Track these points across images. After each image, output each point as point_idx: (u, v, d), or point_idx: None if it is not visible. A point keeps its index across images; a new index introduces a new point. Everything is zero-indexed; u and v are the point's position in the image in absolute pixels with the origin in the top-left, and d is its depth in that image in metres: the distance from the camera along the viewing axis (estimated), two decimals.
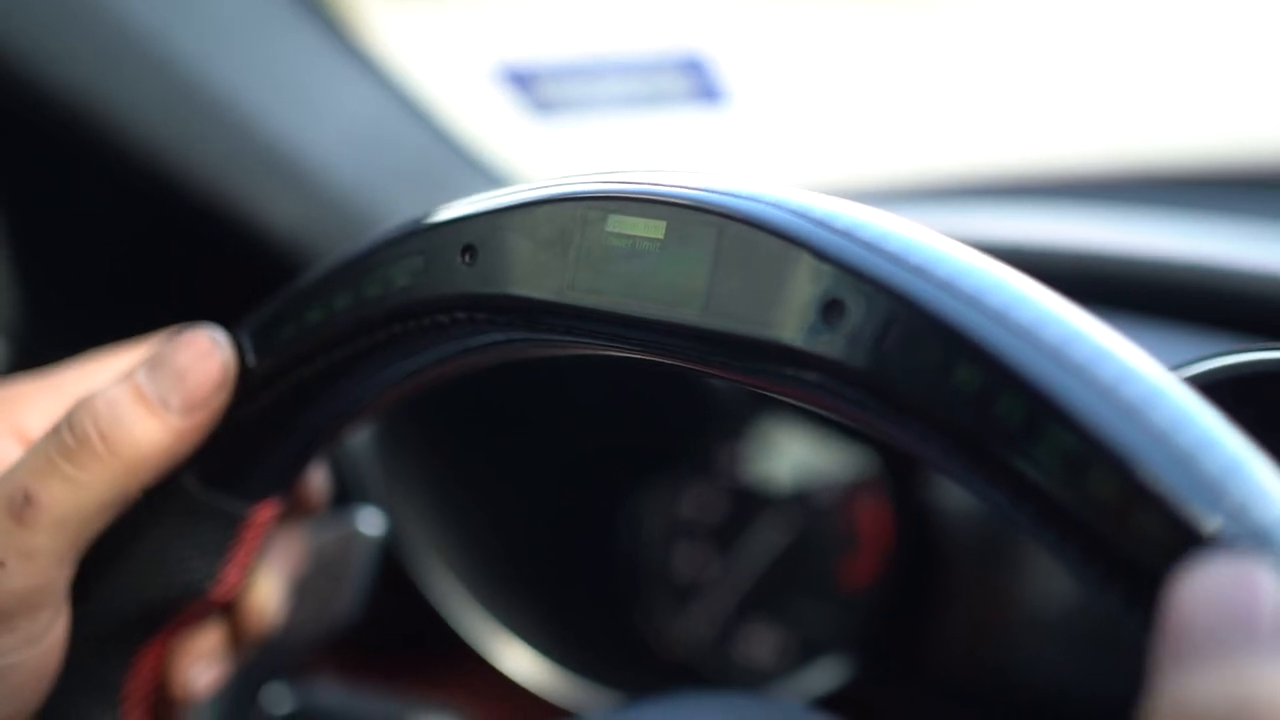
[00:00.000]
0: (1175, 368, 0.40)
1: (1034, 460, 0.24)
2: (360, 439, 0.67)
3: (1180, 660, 0.20)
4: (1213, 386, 0.39)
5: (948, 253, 0.26)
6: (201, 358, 0.35)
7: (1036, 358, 0.24)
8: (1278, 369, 0.39)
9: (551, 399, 0.75)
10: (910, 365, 0.25)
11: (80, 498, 0.33)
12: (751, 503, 0.71)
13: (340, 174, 0.66)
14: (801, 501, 0.70)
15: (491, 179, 0.73)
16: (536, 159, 0.78)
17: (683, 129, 0.86)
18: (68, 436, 0.33)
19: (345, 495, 0.66)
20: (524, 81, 0.82)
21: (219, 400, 0.35)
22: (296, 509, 0.42)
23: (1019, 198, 0.78)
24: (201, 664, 0.41)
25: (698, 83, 0.82)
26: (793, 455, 0.70)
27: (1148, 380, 0.24)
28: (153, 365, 0.35)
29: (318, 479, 0.42)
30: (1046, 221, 0.63)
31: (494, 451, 0.75)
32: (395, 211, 0.66)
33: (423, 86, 0.72)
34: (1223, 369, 0.40)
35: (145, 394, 0.34)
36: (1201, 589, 0.21)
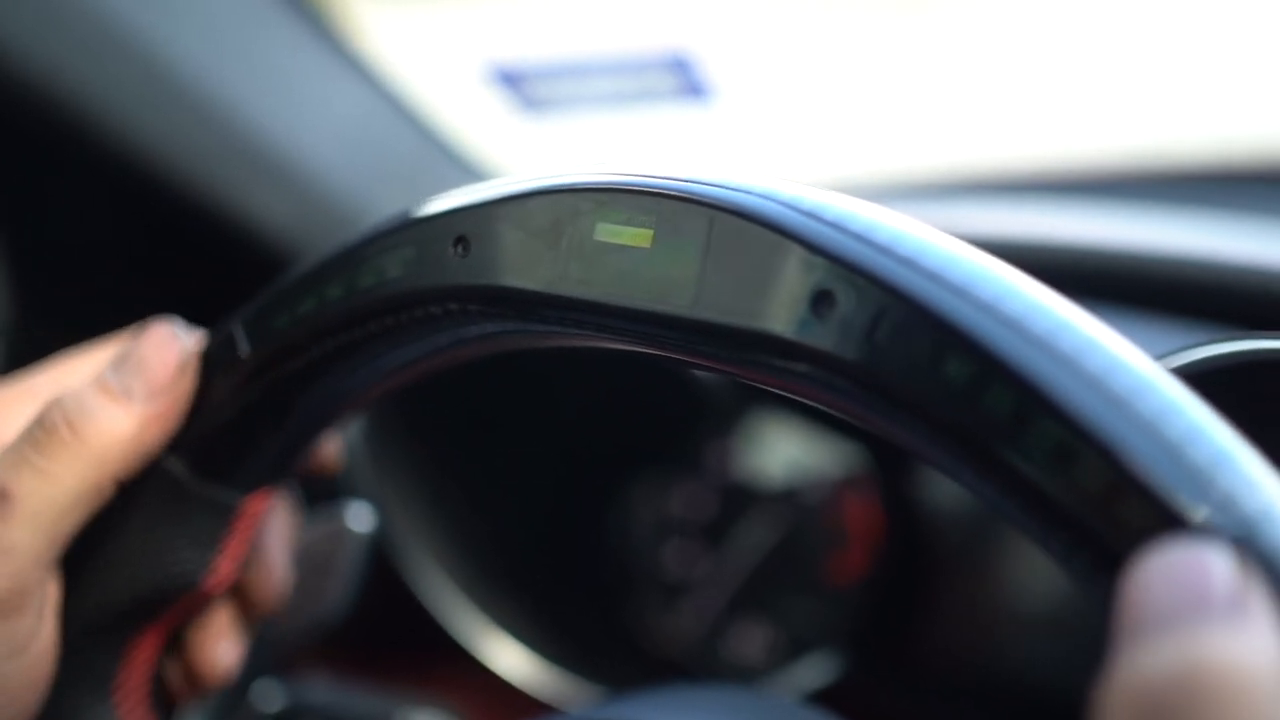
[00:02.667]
0: (1160, 357, 0.40)
1: (1022, 451, 0.24)
2: (349, 434, 0.67)
3: (1134, 635, 0.20)
4: (1197, 376, 0.40)
5: (937, 244, 0.26)
6: (160, 346, 0.36)
7: (1026, 349, 0.24)
8: (1261, 358, 0.40)
9: (542, 396, 0.75)
10: (900, 356, 0.25)
11: (53, 489, 0.34)
12: (741, 500, 0.72)
13: (329, 172, 0.66)
14: (791, 498, 0.70)
15: (480, 177, 0.73)
16: (525, 157, 0.78)
17: (670, 126, 0.86)
18: (38, 431, 0.35)
19: (334, 491, 0.66)
20: (512, 80, 0.82)
21: (181, 386, 0.36)
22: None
23: (1006, 194, 0.78)
24: (225, 643, 0.41)
25: (684, 80, 0.82)
26: (782, 452, 0.71)
27: (1136, 371, 0.24)
28: (116, 361, 0.36)
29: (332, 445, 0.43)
30: (1032, 216, 0.64)
31: (485, 448, 0.76)
32: (383, 210, 0.66)
33: (411, 85, 0.72)
34: (1207, 359, 0.40)
35: (110, 385, 0.35)
36: (1156, 569, 0.21)
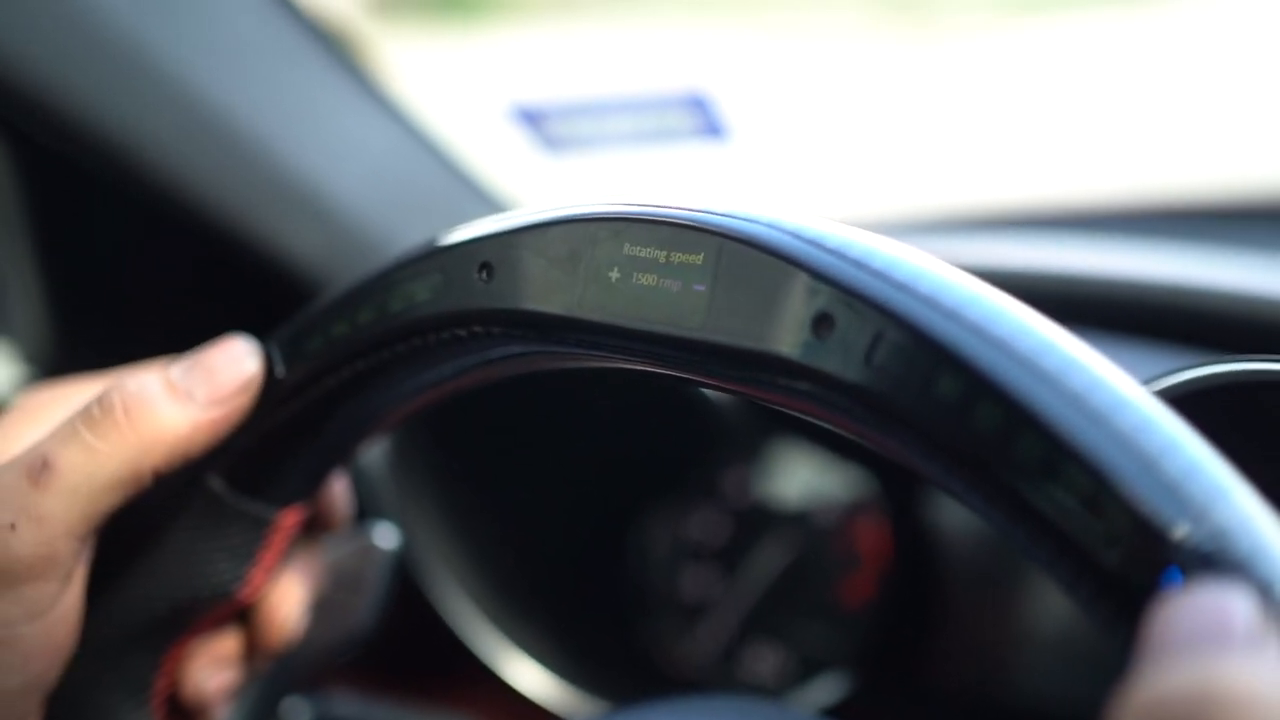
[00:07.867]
0: (1147, 381, 0.42)
1: (1009, 464, 0.25)
2: (374, 456, 0.69)
3: (1156, 654, 0.22)
4: (1180, 399, 0.41)
5: (931, 271, 0.28)
6: (232, 360, 0.37)
7: (1012, 368, 0.25)
8: (1242, 379, 0.41)
9: (564, 421, 0.77)
10: (895, 375, 0.27)
11: (95, 466, 0.35)
12: (755, 524, 0.73)
13: (359, 207, 0.67)
14: (803, 522, 0.71)
15: (500, 211, 0.74)
16: (545, 193, 0.80)
17: (687, 164, 0.88)
18: (95, 409, 0.35)
19: (361, 511, 0.67)
20: (534, 119, 0.83)
21: (241, 400, 0.37)
22: (320, 524, 0.44)
23: (1006, 229, 0.80)
24: (213, 668, 0.42)
25: (701, 120, 0.83)
26: (796, 478, 0.72)
27: (1114, 389, 0.25)
28: (187, 364, 0.37)
29: (342, 497, 0.44)
30: (1026, 248, 0.65)
31: (505, 471, 0.77)
32: (407, 242, 0.67)
33: (437, 124, 0.74)
34: (1190, 382, 0.41)
35: (175, 383, 0.36)
36: (1182, 605, 0.22)
